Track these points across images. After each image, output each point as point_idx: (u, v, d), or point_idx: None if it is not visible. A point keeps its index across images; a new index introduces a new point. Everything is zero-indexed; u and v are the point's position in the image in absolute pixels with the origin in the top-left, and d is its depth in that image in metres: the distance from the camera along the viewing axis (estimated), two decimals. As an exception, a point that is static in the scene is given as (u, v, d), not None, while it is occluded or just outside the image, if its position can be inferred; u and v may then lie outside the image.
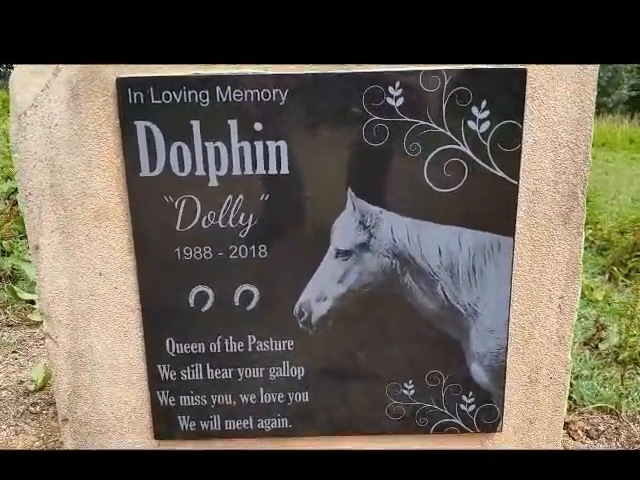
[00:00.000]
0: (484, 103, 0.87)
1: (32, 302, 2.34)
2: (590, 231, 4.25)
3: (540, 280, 0.96)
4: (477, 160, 0.89)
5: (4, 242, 2.99)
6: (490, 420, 1.01)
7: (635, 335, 1.99)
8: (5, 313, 2.26)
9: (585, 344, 2.33)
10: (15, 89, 0.90)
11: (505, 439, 1.04)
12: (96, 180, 0.91)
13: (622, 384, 1.84)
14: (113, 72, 0.87)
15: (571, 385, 1.91)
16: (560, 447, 1.08)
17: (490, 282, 0.94)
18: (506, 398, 1.01)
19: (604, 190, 6.60)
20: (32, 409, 1.63)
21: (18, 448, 1.46)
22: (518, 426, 1.03)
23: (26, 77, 0.90)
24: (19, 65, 0.91)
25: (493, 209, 0.92)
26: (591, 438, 1.66)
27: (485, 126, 0.88)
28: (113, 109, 0.88)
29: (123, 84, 0.87)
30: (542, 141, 0.90)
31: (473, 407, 1.00)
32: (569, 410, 1.79)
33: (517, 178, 0.90)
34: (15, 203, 3.48)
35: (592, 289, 3.01)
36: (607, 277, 3.39)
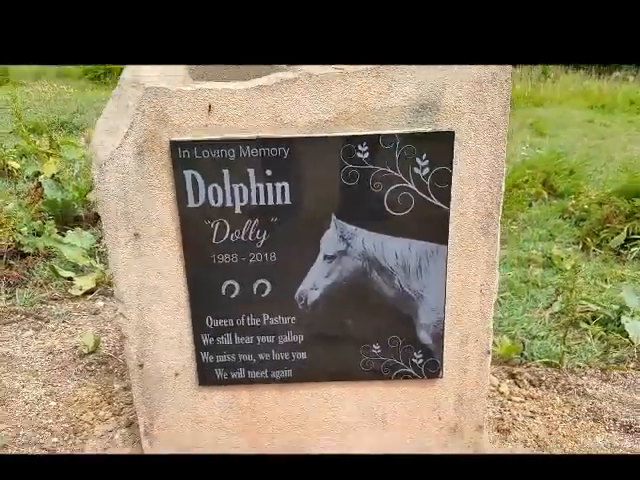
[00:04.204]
0: (424, 155, 1.30)
1: (70, 279, 2.81)
2: (573, 202, 4.61)
3: (466, 274, 1.41)
4: (420, 193, 1.33)
5: (34, 223, 3.41)
6: (433, 370, 1.49)
7: (573, 304, 2.45)
8: (50, 289, 2.73)
9: (546, 309, 2.80)
10: (96, 146, 1.33)
11: (445, 383, 1.51)
12: (157, 209, 1.35)
13: (564, 343, 2.31)
14: (168, 136, 1.30)
15: (524, 344, 2.38)
16: (486, 390, 1.56)
17: (431, 276, 1.40)
18: (444, 355, 1.48)
19: (597, 157, 6.87)
20: (88, 368, 2.11)
21: (83, 397, 1.94)
22: (454, 374, 1.51)
23: (103, 137, 1.33)
24: (97, 128, 1.34)
25: (432, 226, 1.36)
26: (533, 386, 2.13)
27: (426, 171, 1.32)
28: (168, 161, 1.31)
29: (175, 144, 1.30)
30: (466, 179, 1.34)
31: (421, 361, 1.48)
32: (519, 364, 2.26)
33: (448, 205, 1.34)
34: (39, 185, 3.88)
35: (562, 259, 3.43)
36: (581, 247, 3.77)
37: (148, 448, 1.57)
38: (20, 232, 3.21)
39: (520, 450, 1.70)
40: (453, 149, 1.31)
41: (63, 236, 3.26)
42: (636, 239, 3.55)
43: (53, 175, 3.97)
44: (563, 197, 4.78)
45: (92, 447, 1.67)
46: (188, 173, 1.31)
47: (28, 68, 14.32)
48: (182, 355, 1.47)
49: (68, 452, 1.66)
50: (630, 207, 3.75)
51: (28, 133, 5.50)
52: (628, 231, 3.62)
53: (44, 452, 1.66)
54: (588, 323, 2.56)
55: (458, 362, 1.49)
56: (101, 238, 3.32)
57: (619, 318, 2.54)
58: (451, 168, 1.32)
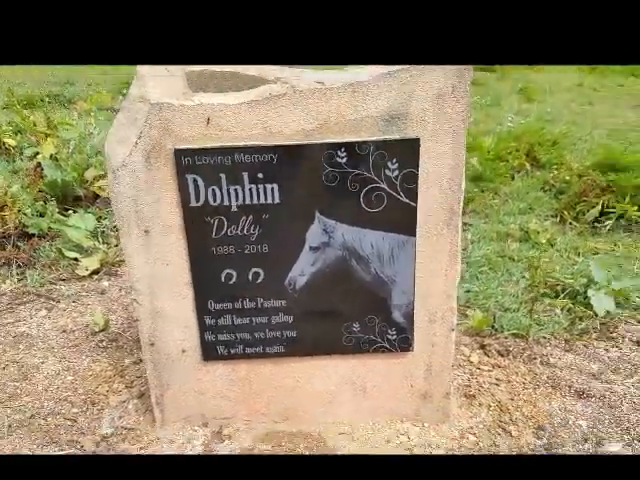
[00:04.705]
0: (394, 159, 1.52)
1: (76, 259, 3.02)
2: (554, 173, 4.77)
3: (432, 261, 1.64)
4: (391, 192, 1.55)
5: (37, 204, 3.60)
6: (405, 344, 1.73)
7: (540, 278, 2.69)
8: (58, 269, 2.94)
9: (517, 282, 3.02)
10: (110, 154, 1.53)
11: (416, 355, 1.76)
12: (163, 208, 1.56)
13: (530, 316, 2.55)
14: (172, 144, 1.50)
15: (494, 317, 2.62)
16: (451, 361, 1.80)
17: (402, 263, 1.63)
18: (415, 331, 1.72)
19: (583, 124, 7.00)
20: (100, 345, 2.34)
21: (97, 371, 2.18)
22: (424, 348, 1.75)
23: (116, 146, 1.53)
24: (110, 138, 1.54)
25: (402, 220, 1.58)
26: (501, 356, 2.37)
27: (395, 172, 1.53)
28: (172, 167, 1.52)
29: (178, 152, 1.50)
30: (431, 179, 1.55)
31: (395, 336, 1.72)
32: (489, 336, 2.50)
33: (416, 202, 1.56)
34: (39, 165, 4.04)
35: (538, 232, 3.63)
36: (558, 220, 3.96)
37: (159, 416, 1.82)
38: (24, 214, 3.40)
39: (484, 414, 1.96)
40: (419, 154, 1.52)
41: (64, 216, 3.46)
42: (610, 212, 3.75)
43: (51, 155, 4.12)
44: (545, 168, 4.94)
45: (109, 416, 1.91)
46: (190, 177, 1.52)
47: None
48: (188, 334, 1.71)
49: (87, 421, 1.90)
50: (605, 181, 3.94)
51: (21, 108, 5.61)
52: (603, 205, 3.81)
53: (67, 422, 1.90)
54: (557, 296, 2.78)
55: (427, 337, 1.73)
56: (100, 217, 3.53)
57: (586, 291, 2.72)
58: (417, 170, 1.53)
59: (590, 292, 2.71)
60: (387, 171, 1.53)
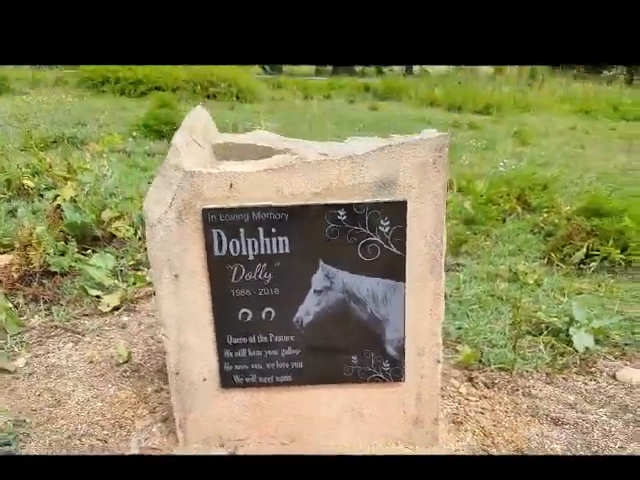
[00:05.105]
0: (386, 217, 1.83)
1: (98, 296, 3.33)
2: (543, 216, 5.08)
3: (419, 302, 1.94)
4: (384, 245, 1.86)
5: (58, 243, 3.91)
6: (398, 375, 2.01)
7: (524, 317, 2.98)
8: (81, 306, 3.24)
9: (504, 321, 3.30)
10: (148, 211, 1.84)
11: (408, 385, 2.04)
12: (191, 257, 1.87)
13: (514, 351, 2.83)
14: (200, 205, 1.82)
15: (482, 352, 2.90)
16: (438, 391, 2.08)
17: (394, 305, 1.92)
18: (406, 364, 2.00)
19: (575, 167, 7.36)
20: (124, 374, 2.61)
21: (123, 398, 2.46)
22: (414, 378, 2.03)
23: (153, 205, 1.84)
24: (148, 197, 1.85)
25: (393, 268, 1.89)
26: (487, 387, 2.64)
27: (387, 228, 1.84)
28: (200, 223, 1.83)
29: (205, 211, 1.82)
30: (416, 234, 1.86)
31: (389, 368, 2.00)
32: (477, 369, 2.77)
33: (405, 252, 1.87)
34: (58, 207, 4.36)
35: (526, 273, 3.92)
36: (546, 261, 4.25)
37: (182, 437, 2.09)
38: (48, 253, 3.71)
39: (469, 438, 2.23)
40: (406, 213, 1.83)
41: (84, 255, 3.78)
42: (595, 255, 4.05)
43: (71, 198, 4.45)
44: (535, 211, 5.27)
45: (136, 438, 2.18)
46: (215, 231, 1.83)
47: (25, 75, 14.83)
48: (208, 365, 2.00)
49: (117, 442, 2.18)
50: (590, 225, 4.26)
51: (38, 150, 5.99)
52: (588, 247, 4.11)
53: (99, 442, 2.17)
54: (540, 334, 3.05)
55: (416, 369, 2.01)
56: (118, 257, 3.84)
57: (568, 329, 3.00)
58: (405, 226, 1.84)
59: (571, 330, 2.98)
60: (380, 227, 1.84)
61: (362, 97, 15.95)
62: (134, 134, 8.04)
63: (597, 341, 2.97)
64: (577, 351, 2.88)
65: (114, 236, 4.21)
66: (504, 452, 2.14)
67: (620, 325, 3.12)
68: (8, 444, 2.10)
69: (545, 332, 3.04)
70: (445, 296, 3.50)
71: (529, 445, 2.18)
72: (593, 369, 2.81)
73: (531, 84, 12.24)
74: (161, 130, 8.09)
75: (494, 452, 2.13)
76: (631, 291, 3.65)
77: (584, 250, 4.12)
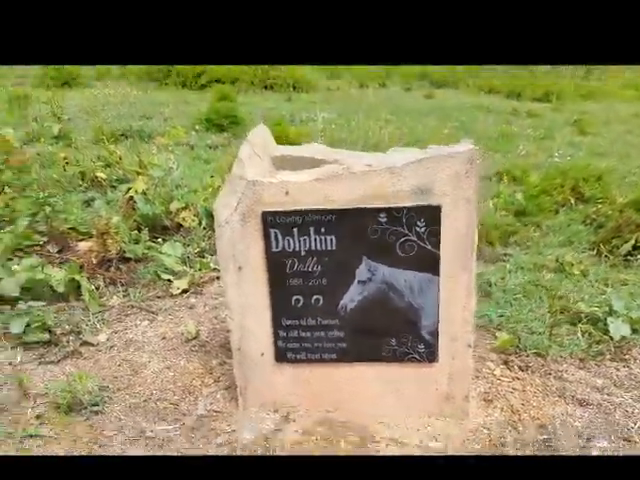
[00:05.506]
0: (422, 219, 2.11)
1: (169, 280, 3.75)
2: (595, 208, 5.13)
3: (452, 295, 2.21)
4: (420, 243, 2.14)
5: (132, 232, 4.36)
6: (432, 356, 2.30)
7: (566, 306, 3.16)
8: (154, 288, 3.67)
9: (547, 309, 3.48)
10: (217, 213, 2.19)
11: (441, 365, 2.32)
12: (252, 252, 2.21)
13: (550, 338, 3.05)
14: (261, 209, 2.15)
15: (519, 338, 3.11)
16: (470, 371, 2.35)
17: (429, 295, 2.21)
18: (439, 347, 2.29)
19: (637, 156, 7.25)
20: (192, 349, 3.00)
21: (191, 369, 2.85)
22: (446, 360, 2.31)
23: (221, 209, 2.19)
24: (218, 202, 2.20)
25: (429, 264, 2.17)
26: (522, 370, 2.87)
27: (423, 229, 2.12)
28: (260, 224, 2.17)
29: (265, 214, 2.15)
30: (449, 234, 2.13)
31: (424, 350, 2.29)
32: (514, 354, 3.00)
33: (439, 250, 2.15)
34: (131, 198, 4.81)
35: (572, 264, 4.06)
36: (595, 253, 4.36)
37: (242, 403, 2.46)
38: (123, 241, 4.16)
39: (497, 414, 2.49)
40: (440, 216, 2.10)
41: (155, 243, 4.21)
42: (643, 247, 4.14)
43: (142, 190, 4.89)
44: (589, 203, 5.32)
45: (203, 402, 2.57)
46: (272, 231, 2.17)
47: (89, 68, 15.59)
48: (265, 342, 2.35)
49: (186, 405, 2.57)
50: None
51: (108, 144, 6.49)
52: (636, 239, 4.20)
53: (172, 406, 2.57)
54: (580, 322, 3.24)
55: (449, 352, 2.30)
56: (185, 244, 4.26)
57: (606, 319, 3.16)
58: (439, 227, 2.12)
59: (609, 319, 3.14)
60: (417, 228, 2.12)
61: (418, 85, 15.93)
62: (196, 127, 8.49)
63: (634, 330, 3.11)
64: (612, 339, 3.04)
65: (181, 225, 4.63)
66: (528, 427, 2.38)
67: (660, 316, 3.24)
68: (96, 404, 2.53)
69: (584, 321, 3.21)
70: (490, 284, 3.78)
71: (552, 422, 2.42)
72: (627, 356, 2.96)
73: (592, 70, 11.88)
74: (222, 124, 8.51)
75: (519, 427, 2.38)
76: (675, 284, 3.73)
77: (632, 242, 4.19)
